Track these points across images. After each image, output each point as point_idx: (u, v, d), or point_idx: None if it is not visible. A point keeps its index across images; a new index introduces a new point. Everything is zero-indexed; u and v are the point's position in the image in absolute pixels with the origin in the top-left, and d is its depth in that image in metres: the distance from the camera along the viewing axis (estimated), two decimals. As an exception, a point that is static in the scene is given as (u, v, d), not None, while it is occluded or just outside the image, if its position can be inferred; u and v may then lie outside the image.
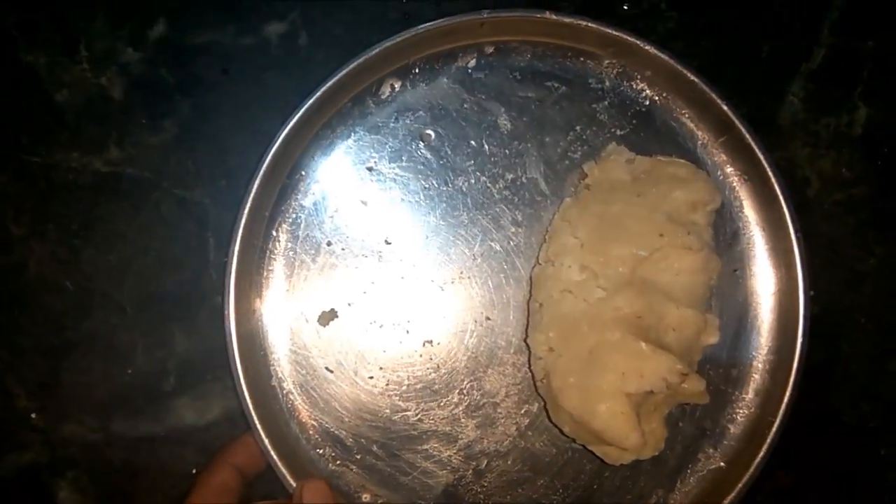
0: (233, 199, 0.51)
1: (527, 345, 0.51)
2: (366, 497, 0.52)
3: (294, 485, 0.48)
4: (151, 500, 0.54)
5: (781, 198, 0.52)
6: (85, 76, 0.55)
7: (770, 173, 0.52)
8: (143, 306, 0.55)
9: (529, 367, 0.51)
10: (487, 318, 0.53)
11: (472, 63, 0.54)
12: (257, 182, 0.50)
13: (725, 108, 0.52)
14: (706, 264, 0.49)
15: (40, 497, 0.54)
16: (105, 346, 0.54)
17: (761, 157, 0.52)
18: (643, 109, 0.55)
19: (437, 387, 0.53)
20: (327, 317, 0.53)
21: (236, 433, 0.51)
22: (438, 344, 0.53)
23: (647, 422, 0.49)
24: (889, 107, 0.58)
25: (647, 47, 0.52)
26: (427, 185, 0.54)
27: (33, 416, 0.54)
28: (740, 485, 0.50)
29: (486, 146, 0.54)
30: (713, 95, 0.52)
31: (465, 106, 0.54)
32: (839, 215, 0.58)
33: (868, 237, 0.58)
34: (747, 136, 0.52)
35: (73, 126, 0.55)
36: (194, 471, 0.54)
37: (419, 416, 0.53)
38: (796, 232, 0.51)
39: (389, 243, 0.54)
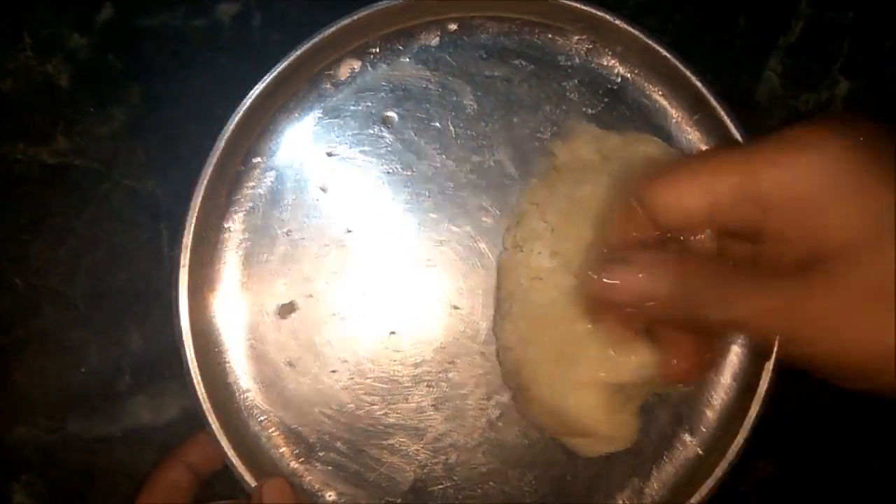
0: (186, 189, 0.49)
1: (496, 334, 0.49)
2: (330, 495, 0.50)
3: (254, 485, 0.46)
4: (109, 502, 0.52)
5: (758, 176, 0.50)
6: (29, 63, 0.53)
7: (746, 151, 0.50)
8: (96, 303, 0.53)
9: (499, 358, 0.49)
10: (455, 307, 0.51)
11: (435, 41, 0.52)
12: (209, 170, 0.48)
13: (700, 84, 0.50)
14: (679, 247, 0.47)
15: (-6, 502, 0.52)
16: (57, 345, 0.52)
17: (737, 135, 0.49)
18: (614, 87, 0.52)
19: (403, 379, 0.51)
20: (286, 309, 0.51)
21: (195, 432, 0.49)
22: (404, 335, 0.51)
23: (621, 412, 0.47)
24: (870, 81, 0.56)
25: (617, 22, 0.50)
26: (390, 170, 0.52)
27: (-16, 418, 0.53)
28: (718, 471, 0.48)
29: (452, 128, 0.52)
30: (687, 71, 0.50)
31: (429, 86, 0.52)
32: (819, 194, 0.56)
33: (850, 216, 0.56)
34: (723, 113, 0.50)
35: (18, 116, 0.53)
36: (153, 472, 0.52)
37: (385, 410, 0.51)
38: (774, 212, 0.50)
39: (351, 231, 0.52)
